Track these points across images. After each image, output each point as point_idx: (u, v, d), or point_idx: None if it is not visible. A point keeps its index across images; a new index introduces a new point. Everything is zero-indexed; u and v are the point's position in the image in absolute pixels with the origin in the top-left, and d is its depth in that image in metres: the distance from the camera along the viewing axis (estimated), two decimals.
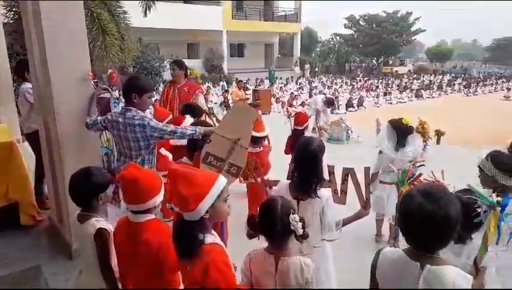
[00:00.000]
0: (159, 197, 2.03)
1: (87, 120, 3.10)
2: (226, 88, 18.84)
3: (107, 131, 3.25)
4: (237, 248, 2.32)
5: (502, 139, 2.83)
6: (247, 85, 19.82)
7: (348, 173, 2.53)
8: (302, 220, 1.80)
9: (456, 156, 7.19)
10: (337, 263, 2.60)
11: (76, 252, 3.26)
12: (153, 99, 8.37)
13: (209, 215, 1.71)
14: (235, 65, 26.59)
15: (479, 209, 1.75)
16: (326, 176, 2.64)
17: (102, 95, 3.41)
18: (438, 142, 8.92)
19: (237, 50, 29.78)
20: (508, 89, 21.01)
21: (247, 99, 12.62)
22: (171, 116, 4.08)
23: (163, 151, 3.80)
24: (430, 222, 1.37)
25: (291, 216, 1.77)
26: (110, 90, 3.48)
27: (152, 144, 3.01)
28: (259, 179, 3.16)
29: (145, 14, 10.53)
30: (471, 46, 70.42)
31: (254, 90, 15.44)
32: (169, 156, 3.82)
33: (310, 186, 2.34)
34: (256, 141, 4.30)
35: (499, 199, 1.73)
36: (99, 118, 3.08)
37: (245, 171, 5.37)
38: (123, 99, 3.04)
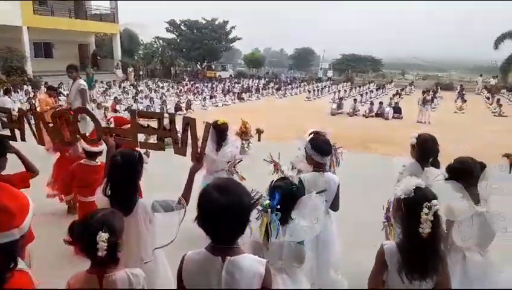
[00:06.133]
0: None
1: None
2: (33, 94, 16.10)
3: None
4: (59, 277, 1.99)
5: (304, 132, 3.32)
6: (60, 90, 17.41)
7: (188, 122, 2.40)
8: (109, 240, 1.63)
9: (274, 150, 8.02)
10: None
11: None
12: None
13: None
14: (42, 67, 22.94)
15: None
16: (167, 125, 2.54)
17: None
18: (259, 139, 9.81)
19: (43, 50, 25.73)
20: (309, 92, 25.15)
21: (60, 106, 11.00)
22: None
23: None
24: (227, 212, 1.48)
25: (99, 235, 1.61)
26: None
27: None
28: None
29: None
30: (279, 54, 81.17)
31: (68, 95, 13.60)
32: None
33: (129, 202, 2.25)
34: (91, 154, 4.01)
35: (267, 202, 2.02)
36: None
37: (67, 186, 4.62)
38: None
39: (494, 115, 17.67)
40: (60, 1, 24.86)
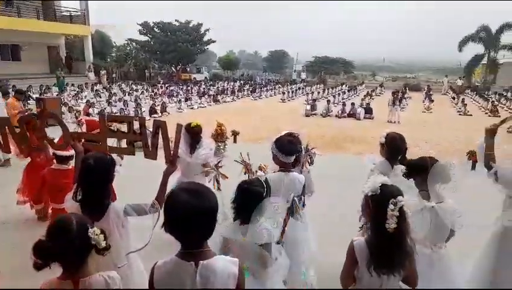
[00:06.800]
0: None
1: None
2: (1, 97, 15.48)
3: None
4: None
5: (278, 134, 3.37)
6: (29, 93, 16.85)
7: (159, 125, 2.39)
8: (103, 231, 1.64)
9: (249, 152, 8.08)
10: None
11: None
12: None
13: None
14: (10, 70, 22.09)
15: None
16: (137, 129, 2.52)
17: None
18: (234, 141, 9.85)
19: (11, 52, 24.72)
20: (283, 93, 25.37)
21: (29, 110, 10.69)
22: None
23: None
24: (198, 214, 1.49)
25: (90, 230, 1.60)
26: None
27: None
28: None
29: None
30: (253, 56, 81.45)
31: (38, 99, 13.19)
32: None
33: (100, 206, 2.22)
34: (62, 159, 4.01)
35: None
36: None
37: (38, 192, 4.51)
38: None
39: (460, 114, 18.45)
40: (27, 2, 24.02)
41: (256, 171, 3.23)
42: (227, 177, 3.95)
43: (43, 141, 2.86)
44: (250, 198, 2.18)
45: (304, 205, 3.08)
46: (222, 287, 1.55)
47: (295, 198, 2.86)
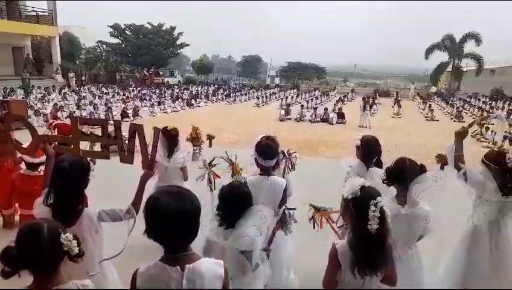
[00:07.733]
0: None
1: None
2: None
3: None
4: None
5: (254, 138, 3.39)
6: None
7: (135, 129, 2.31)
8: (76, 237, 1.57)
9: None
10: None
11: None
12: None
13: None
14: None
15: None
16: (112, 132, 2.45)
17: None
18: (210, 145, 9.78)
19: None
20: (258, 98, 25.46)
21: None
22: None
23: None
24: (180, 217, 1.46)
25: (63, 236, 1.53)
26: None
27: None
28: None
29: None
30: (227, 61, 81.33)
31: (2, 102, 12.58)
32: None
33: (73, 211, 2.15)
34: (32, 166, 3.90)
35: None
36: None
37: (7, 198, 4.28)
38: None
39: (427, 120, 19.16)
40: None
41: (242, 170, 3.22)
42: (219, 177, 3.88)
43: (8, 145, 2.71)
44: (237, 201, 2.15)
45: (294, 220, 2.99)
46: None
47: (286, 211, 2.81)
